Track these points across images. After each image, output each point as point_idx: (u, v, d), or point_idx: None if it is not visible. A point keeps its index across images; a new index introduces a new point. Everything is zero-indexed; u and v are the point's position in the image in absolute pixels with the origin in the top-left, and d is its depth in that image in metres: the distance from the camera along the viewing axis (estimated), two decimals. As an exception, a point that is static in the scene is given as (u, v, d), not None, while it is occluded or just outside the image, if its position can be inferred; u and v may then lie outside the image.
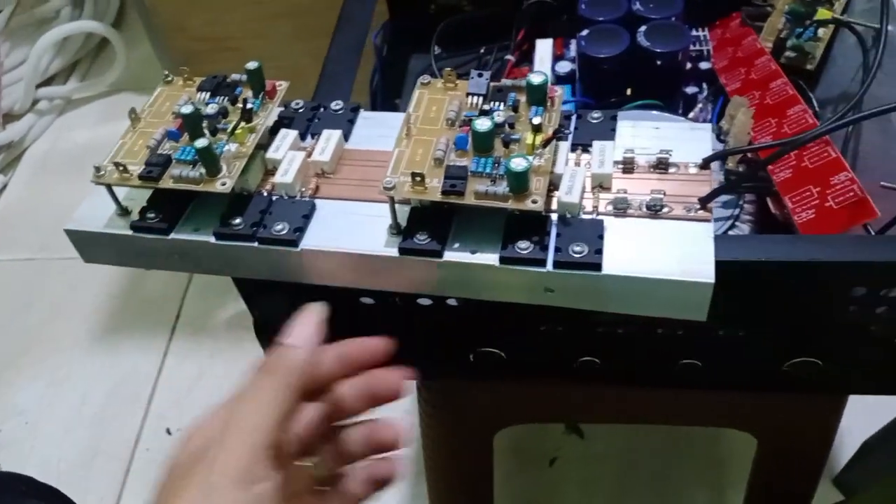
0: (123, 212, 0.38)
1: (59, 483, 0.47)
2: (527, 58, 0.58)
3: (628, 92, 0.50)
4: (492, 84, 0.38)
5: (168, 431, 0.96)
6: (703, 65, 0.53)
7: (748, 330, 0.39)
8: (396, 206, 0.35)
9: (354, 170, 0.39)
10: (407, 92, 0.59)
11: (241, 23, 0.83)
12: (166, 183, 0.36)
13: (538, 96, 0.37)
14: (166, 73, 0.42)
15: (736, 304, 0.37)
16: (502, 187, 0.33)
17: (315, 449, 0.34)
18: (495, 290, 0.35)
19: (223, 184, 0.36)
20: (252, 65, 0.40)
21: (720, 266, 0.33)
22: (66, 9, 1.38)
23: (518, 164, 0.32)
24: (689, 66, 0.52)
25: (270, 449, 0.29)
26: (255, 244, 0.36)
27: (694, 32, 0.54)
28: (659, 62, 0.49)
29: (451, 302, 0.39)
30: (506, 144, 0.35)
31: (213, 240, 0.36)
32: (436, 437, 0.56)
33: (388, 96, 0.57)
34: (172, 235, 0.37)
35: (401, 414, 0.99)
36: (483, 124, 0.34)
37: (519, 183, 0.33)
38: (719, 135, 0.45)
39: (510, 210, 0.34)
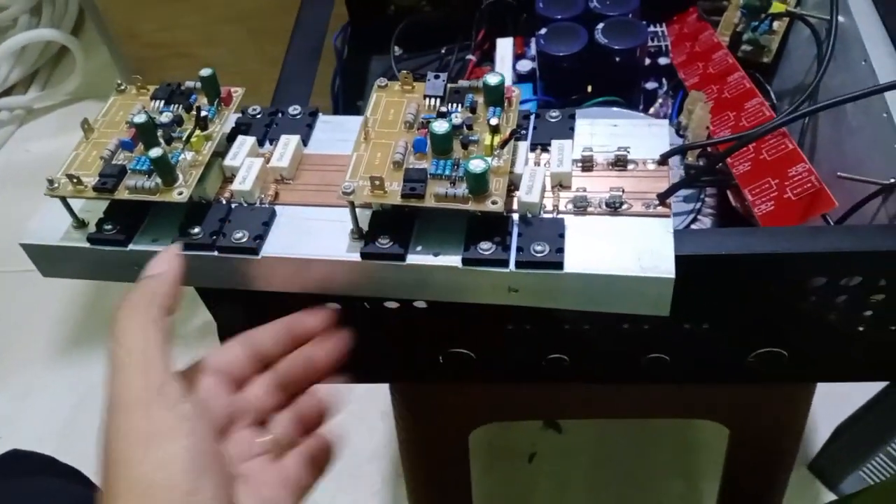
0: (80, 224, 0.37)
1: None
2: (488, 57, 0.58)
3: (589, 89, 0.50)
4: (449, 85, 0.38)
5: (140, 443, 0.94)
6: (662, 60, 0.53)
7: (712, 323, 0.39)
8: (357, 210, 0.35)
9: (314, 175, 0.39)
10: (369, 94, 0.59)
11: (193, 28, 0.82)
12: (122, 194, 0.36)
13: (495, 97, 0.37)
14: (119, 82, 0.41)
15: (699, 297, 0.38)
16: (462, 189, 0.33)
17: (271, 420, 0.35)
18: (459, 291, 0.35)
19: (180, 193, 0.35)
20: (206, 72, 0.39)
21: (682, 260, 0.33)
22: (23, 17, 1.36)
23: (477, 165, 0.32)
24: (647, 61, 0.52)
25: (173, 378, 0.29)
26: (215, 253, 0.36)
27: (651, 28, 0.55)
28: (617, 59, 0.49)
29: (419, 304, 0.39)
30: (464, 146, 0.35)
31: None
32: (411, 439, 0.56)
33: (350, 99, 0.56)
34: (131, 247, 0.36)
35: (378, 415, 0.99)
36: (441, 126, 0.34)
37: (478, 184, 0.33)
38: (678, 130, 0.45)
39: (471, 212, 0.34)
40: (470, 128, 0.36)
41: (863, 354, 0.41)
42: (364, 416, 0.94)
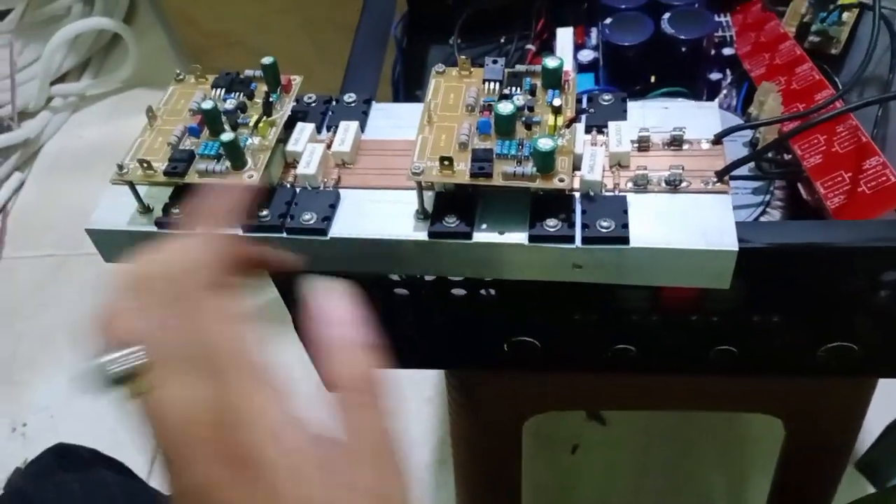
0: (145, 209, 0.38)
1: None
2: (547, 47, 0.57)
3: (652, 79, 0.50)
4: (507, 70, 0.38)
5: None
6: (727, 51, 0.52)
7: (782, 315, 0.39)
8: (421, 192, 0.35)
9: (374, 159, 0.39)
10: (428, 83, 0.59)
11: (247, 17, 0.84)
12: (192, 178, 0.36)
13: (554, 80, 0.37)
14: (178, 71, 0.42)
15: (769, 289, 0.37)
16: (529, 168, 0.34)
17: None
18: (524, 269, 0.35)
19: (250, 176, 0.36)
20: (267, 60, 0.39)
21: (757, 252, 0.33)
22: (77, 5, 1.39)
23: (545, 144, 0.33)
24: (712, 52, 0.52)
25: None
26: (284, 234, 0.36)
27: (716, 18, 0.54)
28: (683, 49, 0.48)
29: (483, 292, 0.39)
30: (528, 127, 0.35)
31: (240, 232, 0.36)
32: (465, 426, 0.56)
33: (410, 87, 0.57)
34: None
35: (422, 402, 1.00)
36: (506, 107, 0.35)
37: (546, 163, 0.33)
38: (748, 121, 0.44)
39: (535, 190, 0.34)
40: (531, 110, 0.36)
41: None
42: (407, 402, 0.94)
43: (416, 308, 0.41)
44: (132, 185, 0.37)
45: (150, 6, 1.01)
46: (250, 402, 0.24)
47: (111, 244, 0.39)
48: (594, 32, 0.56)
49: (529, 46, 0.57)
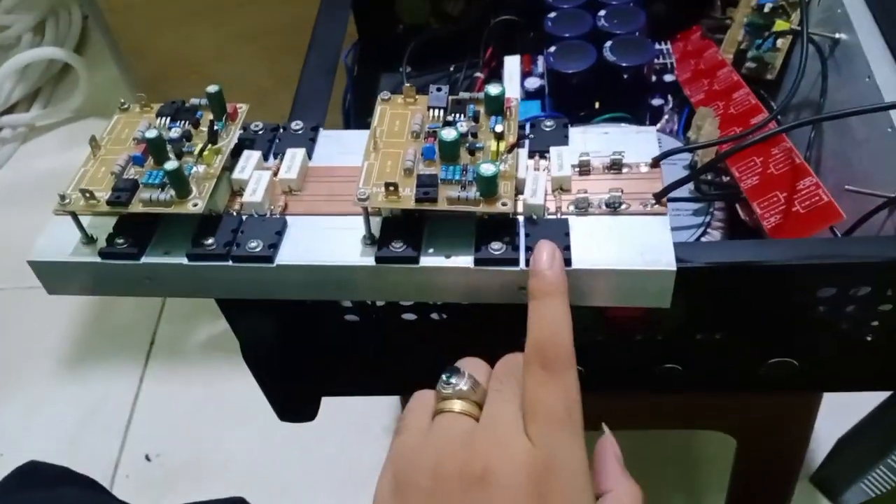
0: (89, 240, 0.37)
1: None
2: (495, 75, 0.59)
3: (597, 105, 0.51)
4: (451, 97, 0.39)
5: (147, 458, 0.94)
6: (668, 77, 0.54)
7: (724, 333, 0.40)
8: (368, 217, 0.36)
9: (321, 186, 0.39)
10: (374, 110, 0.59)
11: (207, 46, 0.83)
12: (136, 207, 0.36)
13: (496, 106, 0.38)
14: (122, 100, 0.41)
15: (711, 308, 0.38)
16: (473, 192, 0.34)
17: None
18: (471, 292, 0.35)
19: (195, 204, 0.36)
20: (213, 88, 0.39)
21: (696, 271, 0.33)
22: (27, 35, 1.37)
23: (487, 168, 0.33)
24: (654, 78, 0.53)
25: None
26: (230, 262, 0.36)
27: (657, 46, 0.56)
28: (625, 76, 0.50)
29: (435, 316, 0.39)
30: (471, 153, 0.36)
31: (185, 261, 0.36)
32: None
33: (361, 115, 0.57)
34: (143, 259, 0.36)
35: (380, 429, 0.98)
36: (450, 134, 0.35)
37: (489, 187, 0.34)
38: (687, 144, 0.46)
39: (480, 214, 0.35)
40: (475, 136, 0.37)
41: (871, 364, 0.41)
42: (368, 429, 0.94)
43: (366, 334, 0.41)
44: (74, 216, 0.37)
45: (102, 36, 1.00)
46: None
47: (53, 276, 0.38)
48: (540, 60, 0.57)
49: (478, 74, 0.58)
